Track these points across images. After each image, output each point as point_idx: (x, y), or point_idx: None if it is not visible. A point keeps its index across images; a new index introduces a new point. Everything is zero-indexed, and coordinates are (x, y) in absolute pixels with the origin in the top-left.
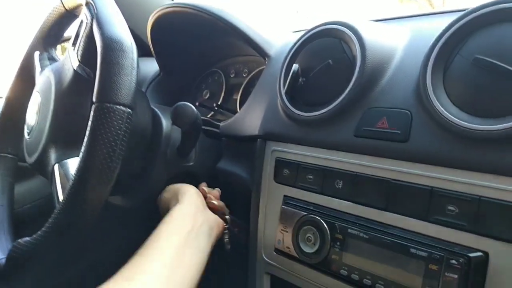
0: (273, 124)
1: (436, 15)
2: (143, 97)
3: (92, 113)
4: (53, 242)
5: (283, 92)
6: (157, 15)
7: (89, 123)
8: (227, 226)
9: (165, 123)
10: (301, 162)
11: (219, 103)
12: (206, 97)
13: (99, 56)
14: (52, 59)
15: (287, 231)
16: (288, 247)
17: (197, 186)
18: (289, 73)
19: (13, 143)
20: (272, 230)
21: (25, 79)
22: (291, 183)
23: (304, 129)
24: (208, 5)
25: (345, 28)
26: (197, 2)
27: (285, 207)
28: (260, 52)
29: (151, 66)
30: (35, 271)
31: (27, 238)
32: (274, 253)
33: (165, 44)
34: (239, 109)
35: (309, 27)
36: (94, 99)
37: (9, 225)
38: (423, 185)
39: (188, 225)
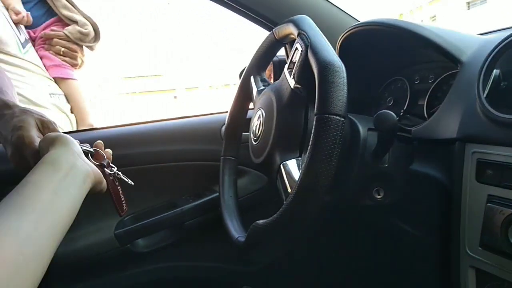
0: (472, 127)
1: None
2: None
3: (314, 122)
4: (285, 224)
5: (483, 96)
6: (347, 34)
7: (313, 130)
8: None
9: (362, 129)
10: (505, 162)
11: (404, 108)
12: (389, 104)
13: (317, 77)
14: (264, 81)
15: (494, 227)
16: (496, 242)
17: (392, 187)
18: (488, 78)
19: (235, 149)
20: (477, 226)
21: (244, 97)
22: (495, 183)
23: (507, 131)
24: (395, 20)
25: None
26: (384, 19)
27: (491, 204)
28: (452, 59)
29: None
30: (269, 246)
31: (263, 221)
32: (480, 248)
33: (351, 59)
34: (426, 113)
35: (502, 30)
36: (316, 111)
37: (237, 211)
38: None
39: (61, 171)
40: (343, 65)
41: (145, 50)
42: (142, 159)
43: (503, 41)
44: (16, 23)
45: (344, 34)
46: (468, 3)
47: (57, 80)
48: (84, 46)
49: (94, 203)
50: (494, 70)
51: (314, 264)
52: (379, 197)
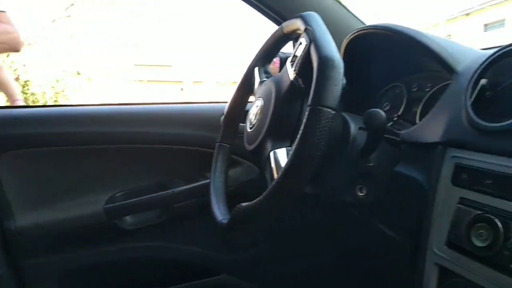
0: (455, 133)
1: None
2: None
3: (307, 113)
4: (268, 207)
5: (469, 103)
6: (352, 36)
7: (304, 120)
8: None
9: (353, 127)
10: (481, 168)
11: (399, 114)
12: (385, 109)
13: (316, 70)
14: (268, 73)
15: (460, 227)
16: (460, 241)
17: (375, 186)
18: (476, 87)
19: (231, 137)
20: (445, 226)
21: (245, 88)
22: (468, 186)
23: (488, 138)
24: (400, 26)
25: None
26: (388, 24)
27: (461, 205)
28: (448, 68)
29: None
30: (252, 228)
31: (246, 203)
32: (445, 246)
33: (354, 60)
34: (419, 120)
35: (500, 47)
36: (309, 103)
37: (225, 197)
38: None
39: None
40: (342, 62)
41: (157, 40)
42: (140, 138)
43: (494, 54)
44: None
45: (350, 36)
46: (486, 25)
47: None
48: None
49: (87, 176)
50: (482, 80)
51: (291, 256)
52: (361, 194)
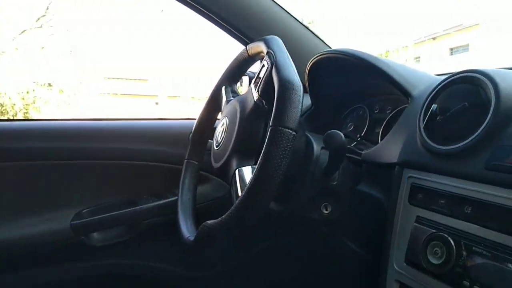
0: (411, 154)
1: None
2: (300, 125)
3: (268, 133)
4: (233, 225)
5: (422, 127)
6: (315, 59)
7: (266, 140)
8: None
9: (316, 147)
10: (435, 188)
11: (362, 134)
12: (350, 129)
13: (277, 92)
14: (234, 92)
15: (417, 245)
16: (417, 259)
17: (339, 204)
18: (428, 111)
19: (199, 154)
20: (403, 244)
21: (213, 106)
22: (424, 206)
23: (439, 160)
24: (359, 52)
25: (482, 76)
26: (350, 49)
27: (417, 224)
28: (404, 92)
29: (304, 100)
30: (218, 246)
31: (212, 221)
32: (404, 263)
33: (318, 83)
34: (381, 141)
35: (451, 73)
36: (270, 123)
37: (193, 214)
38: None
39: None
40: (301, 85)
41: (133, 54)
42: (108, 154)
43: (444, 81)
44: None
45: (313, 59)
46: (452, 48)
47: None
48: None
49: (53, 191)
50: (433, 105)
51: (260, 273)
52: (326, 212)
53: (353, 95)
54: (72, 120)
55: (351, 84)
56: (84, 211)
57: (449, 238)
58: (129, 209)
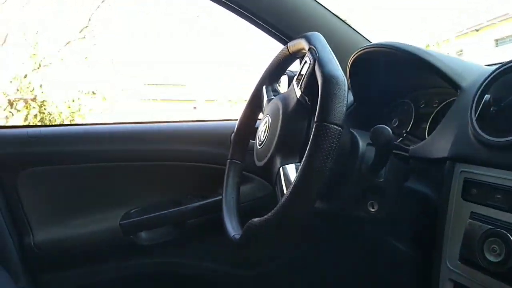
0: (462, 148)
1: None
2: (345, 121)
3: (313, 129)
4: (279, 222)
5: (474, 119)
6: (358, 54)
7: (311, 136)
8: None
9: (361, 143)
10: (490, 182)
11: (408, 130)
12: (394, 125)
13: (321, 88)
14: (275, 91)
15: (472, 243)
16: (473, 257)
17: (386, 202)
18: (481, 102)
19: (241, 153)
20: (457, 241)
21: (254, 105)
22: (479, 201)
23: (494, 153)
24: (403, 44)
25: None
26: (393, 42)
27: (472, 220)
28: (453, 84)
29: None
30: (264, 243)
31: (258, 219)
32: (458, 262)
33: (360, 78)
34: (427, 136)
35: (502, 63)
36: (315, 119)
37: (237, 212)
38: None
39: None
40: (345, 79)
41: (171, 60)
42: (154, 156)
43: (497, 69)
44: None
45: (356, 54)
46: (497, 40)
47: None
48: None
49: (103, 193)
50: (486, 96)
51: (306, 272)
52: (372, 210)
53: (396, 89)
54: (120, 124)
55: (394, 78)
56: (132, 211)
57: (508, 234)
58: (175, 209)
